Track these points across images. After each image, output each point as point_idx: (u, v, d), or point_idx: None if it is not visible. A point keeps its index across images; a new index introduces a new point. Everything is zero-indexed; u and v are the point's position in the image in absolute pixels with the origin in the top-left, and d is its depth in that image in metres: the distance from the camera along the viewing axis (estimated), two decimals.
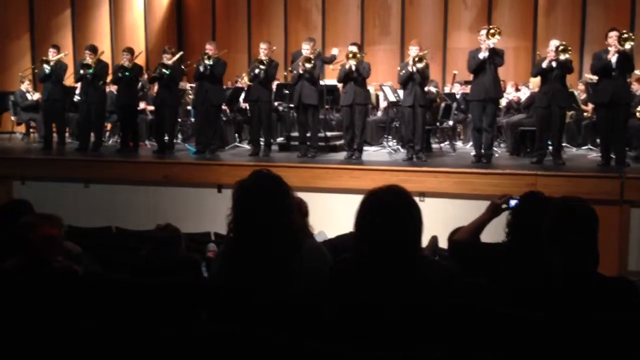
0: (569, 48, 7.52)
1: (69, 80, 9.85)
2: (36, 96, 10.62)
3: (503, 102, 9.61)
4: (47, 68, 9.24)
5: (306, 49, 8.43)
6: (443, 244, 4.38)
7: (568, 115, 8.96)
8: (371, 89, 9.47)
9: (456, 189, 7.08)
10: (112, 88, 10.03)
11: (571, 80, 8.63)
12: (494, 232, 3.03)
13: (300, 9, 15.89)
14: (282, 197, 2.51)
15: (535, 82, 8.90)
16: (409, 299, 2.26)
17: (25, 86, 10.86)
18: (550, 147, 7.84)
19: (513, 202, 2.96)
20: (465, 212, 3.80)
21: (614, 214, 6.49)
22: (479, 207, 3.17)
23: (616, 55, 7.25)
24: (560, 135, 7.84)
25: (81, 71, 9.13)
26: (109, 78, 9.70)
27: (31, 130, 11.16)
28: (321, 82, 8.84)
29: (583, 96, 9.81)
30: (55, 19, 13.52)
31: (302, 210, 3.72)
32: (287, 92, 9.79)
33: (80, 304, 2.26)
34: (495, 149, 8.58)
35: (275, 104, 10.13)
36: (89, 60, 9.12)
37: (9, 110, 11.11)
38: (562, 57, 7.43)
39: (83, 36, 13.61)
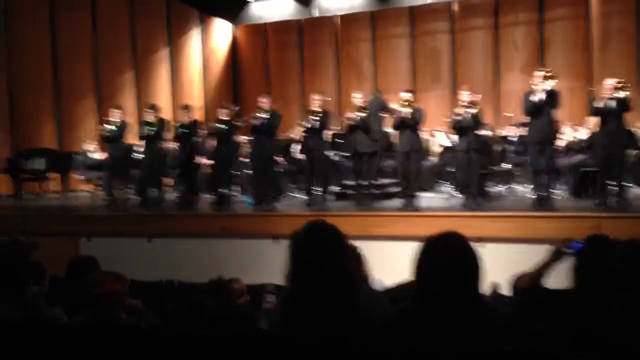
0: (629, 85, 7.33)
1: (131, 138, 10.23)
2: (102, 155, 11.05)
3: (562, 142, 9.42)
4: (111, 128, 9.63)
5: (358, 98, 8.55)
6: (504, 290, 4.27)
7: (631, 154, 8.68)
8: (424, 134, 9.47)
9: (516, 234, 6.92)
10: (172, 144, 10.37)
11: (632, 118, 8.39)
12: (559, 278, 2.94)
13: (351, 59, 16.20)
14: (337, 246, 2.52)
15: (594, 122, 8.71)
16: (470, 347, 2.21)
17: (92, 146, 11.35)
18: (614, 188, 7.59)
19: (577, 246, 2.87)
20: (526, 257, 3.70)
21: None
22: (540, 252, 3.10)
23: None
24: (622, 175, 7.59)
25: (143, 129, 9.50)
26: (170, 135, 10.04)
27: (96, 188, 11.59)
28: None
29: None
30: (118, 80, 14.19)
31: (358, 258, 3.71)
32: (341, 141, 9.89)
33: (145, 357, 2.31)
34: (555, 190, 8.37)
35: (330, 153, 10.23)
36: (150, 118, 9.48)
37: (75, 169, 11.61)
38: (621, 94, 7.24)
39: (144, 94, 14.22)
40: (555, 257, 2.96)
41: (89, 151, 11.28)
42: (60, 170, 11.95)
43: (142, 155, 9.90)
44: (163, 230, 8.44)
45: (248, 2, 16.03)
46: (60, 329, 2.66)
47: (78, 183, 11.76)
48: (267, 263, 7.04)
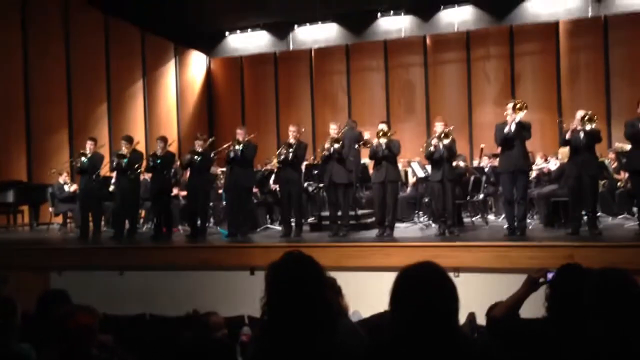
0: (595, 117, 7.49)
1: (104, 170, 10.13)
2: (73, 187, 10.91)
3: (533, 173, 9.58)
4: (84, 160, 9.54)
5: (333, 129, 8.62)
6: (481, 320, 4.28)
7: (600, 184, 8.84)
8: (399, 165, 9.55)
9: (491, 263, 6.95)
10: (146, 176, 10.30)
11: (601, 149, 8.59)
12: (534, 307, 2.96)
13: (326, 91, 16.34)
14: (314, 278, 2.50)
15: (564, 153, 8.87)
16: None
17: (63, 178, 11.20)
18: (585, 217, 7.70)
19: (550, 276, 2.89)
20: (501, 287, 3.72)
21: None
22: (515, 281, 3.11)
23: None
24: (594, 204, 7.65)
25: (116, 161, 9.43)
26: (144, 165, 9.97)
27: (68, 220, 11.41)
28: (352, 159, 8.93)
29: (614, 165, 9.73)
30: (92, 113, 14.06)
31: (335, 290, 3.70)
32: (316, 172, 9.92)
33: None
34: (528, 220, 8.46)
35: (305, 184, 10.24)
36: (124, 150, 9.42)
37: (47, 201, 11.42)
38: (588, 126, 7.39)
39: (119, 127, 14.10)
40: (530, 287, 2.97)
41: (62, 183, 11.14)
42: (31, 203, 11.75)
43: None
44: (137, 262, 8.31)
45: (224, 35, 16.13)
46: None
47: (49, 215, 11.56)
48: (243, 295, 6.95)
